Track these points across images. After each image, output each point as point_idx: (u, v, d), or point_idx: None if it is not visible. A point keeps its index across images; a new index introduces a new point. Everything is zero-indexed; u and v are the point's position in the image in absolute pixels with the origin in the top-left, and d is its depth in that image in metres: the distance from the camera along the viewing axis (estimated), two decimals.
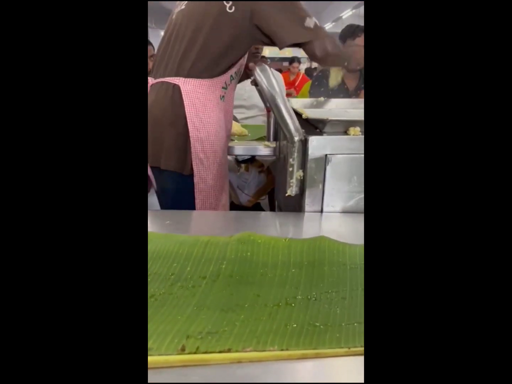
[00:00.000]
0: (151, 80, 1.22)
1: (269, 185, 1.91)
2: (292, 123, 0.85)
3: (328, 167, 0.85)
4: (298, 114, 0.90)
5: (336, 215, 0.87)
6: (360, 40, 1.99)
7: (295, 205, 0.95)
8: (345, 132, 0.87)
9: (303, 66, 6.75)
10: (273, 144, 1.52)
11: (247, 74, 1.36)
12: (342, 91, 1.96)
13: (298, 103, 1.19)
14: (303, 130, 0.86)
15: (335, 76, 2.00)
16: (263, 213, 1.00)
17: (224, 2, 1.08)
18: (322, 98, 1.26)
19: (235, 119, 1.98)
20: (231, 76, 1.19)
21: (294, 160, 0.86)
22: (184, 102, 1.11)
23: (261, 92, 1.58)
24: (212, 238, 0.69)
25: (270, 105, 0.87)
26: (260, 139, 1.69)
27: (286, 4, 1.10)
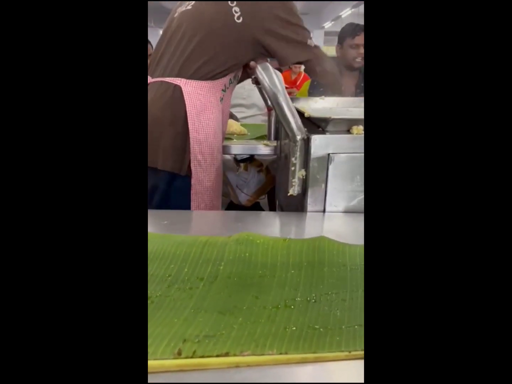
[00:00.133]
0: (148, 79, 1.21)
1: (268, 185, 1.90)
2: (294, 122, 0.84)
3: (330, 166, 0.83)
4: (300, 113, 0.89)
5: (338, 215, 0.86)
6: (359, 39, 1.99)
7: (297, 205, 0.94)
8: (348, 131, 0.86)
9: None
10: (273, 143, 1.52)
11: (247, 73, 1.35)
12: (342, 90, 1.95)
13: (300, 101, 1.18)
14: (305, 129, 0.85)
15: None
16: (264, 212, 0.99)
17: (233, 11, 1.12)
18: (323, 97, 1.25)
19: (235, 118, 1.97)
20: (230, 79, 1.21)
21: (296, 159, 0.85)
22: (186, 103, 1.12)
23: (262, 91, 1.57)
24: (211, 238, 0.68)
25: (272, 104, 0.86)
26: (260, 138, 1.68)
27: (291, 25, 1.16)
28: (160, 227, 0.77)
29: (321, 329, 0.45)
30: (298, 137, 0.84)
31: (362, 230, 0.77)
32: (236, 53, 1.17)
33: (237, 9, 1.13)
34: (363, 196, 0.85)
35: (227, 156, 1.81)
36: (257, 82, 1.44)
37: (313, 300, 0.51)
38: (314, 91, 1.97)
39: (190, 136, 1.13)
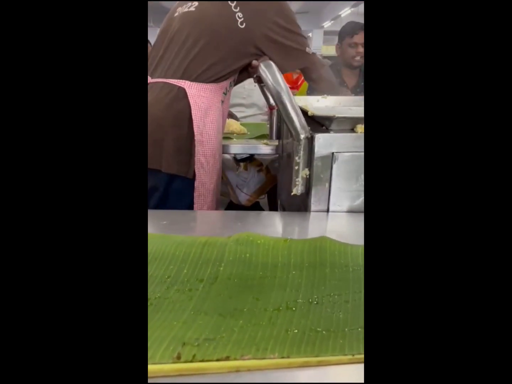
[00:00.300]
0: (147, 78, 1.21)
1: (268, 184, 1.89)
2: (298, 121, 0.83)
3: (334, 166, 0.82)
4: (304, 111, 0.88)
5: (342, 214, 0.85)
6: (357, 38, 1.98)
7: (300, 205, 0.93)
8: (352, 130, 0.85)
9: None
10: (273, 143, 1.51)
11: (248, 73, 1.34)
12: (342, 89, 1.95)
13: (302, 100, 1.17)
14: (309, 128, 0.84)
15: None
16: (265, 212, 0.98)
17: (237, 17, 1.13)
18: (325, 95, 1.24)
19: (235, 118, 1.96)
20: (230, 83, 1.23)
21: (300, 159, 0.84)
22: (191, 105, 1.12)
23: (264, 90, 1.57)
24: (210, 238, 0.67)
25: (276, 102, 0.85)
26: (260, 137, 1.67)
27: (291, 33, 1.19)
28: (159, 227, 0.76)
29: (324, 332, 0.44)
30: (302, 136, 0.83)
31: (357, 229, 0.77)
32: (239, 57, 1.18)
33: (240, 14, 1.14)
34: None
35: (227, 156, 1.80)
36: (259, 80, 1.44)
37: (315, 302, 0.50)
38: (311, 92, 1.96)
39: (195, 138, 1.13)
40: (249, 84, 2.03)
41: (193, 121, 1.12)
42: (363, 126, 0.84)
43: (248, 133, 1.76)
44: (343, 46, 2.05)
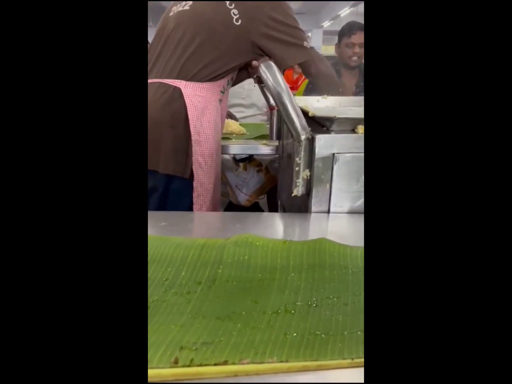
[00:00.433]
0: None
1: (268, 185, 1.88)
2: (298, 121, 0.82)
3: (335, 166, 0.82)
4: (305, 112, 0.88)
5: (343, 215, 0.84)
6: (355, 38, 1.98)
7: (301, 205, 0.93)
8: (353, 130, 0.85)
9: None
10: (272, 143, 1.50)
11: (248, 73, 1.34)
12: (341, 89, 1.94)
13: (301, 101, 1.17)
14: (310, 128, 0.84)
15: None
16: (265, 213, 0.98)
17: (232, 14, 1.12)
18: (325, 96, 1.24)
19: (234, 118, 1.96)
20: (228, 81, 1.21)
21: (300, 160, 0.83)
22: (187, 105, 1.11)
23: (264, 90, 1.56)
24: (209, 240, 0.66)
25: (276, 103, 0.84)
26: (259, 137, 1.67)
27: (288, 27, 1.17)
28: (158, 229, 0.75)
29: (323, 335, 0.44)
30: (303, 137, 0.82)
31: (356, 230, 0.76)
32: (236, 55, 1.17)
33: (235, 11, 1.13)
34: None
35: (226, 156, 1.80)
36: (259, 81, 1.43)
37: (314, 305, 0.50)
38: (309, 92, 1.96)
39: (192, 138, 1.12)
40: (249, 84, 2.03)
41: (190, 121, 1.11)
42: (364, 127, 0.84)
43: (248, 133, 1.76)
44: (341, 46, 2.05)
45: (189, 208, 1.17)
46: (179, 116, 1.11)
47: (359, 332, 0.44)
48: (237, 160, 1.90)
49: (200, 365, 0.39)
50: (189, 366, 0.39)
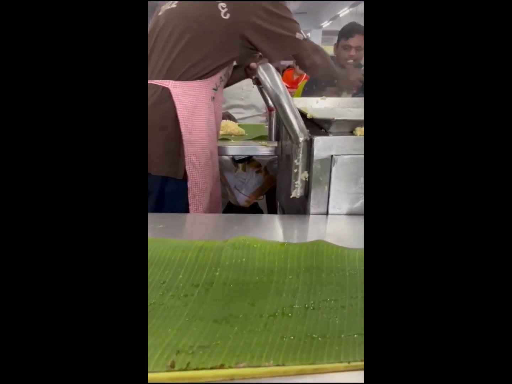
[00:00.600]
0: None
1: (267, 185, 1.88)
2: (296, 123, 0.82)
3: (333, 168, 0.82)
4: (303, 114, 0.88)
5: (342, 217, 0.84)
6: (353, 41, 1.97)
7: (299, 207, 0.93)
8: (351, 132, 0.85)
9: None
10: (271, 144, 1.50)
11: (246, 73, 1.33)
12: (339, 90, 1.94)
13: (300, 102, 1.16)
14: (308, 130, 0.84)
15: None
16: (264, 215, 0.98)
17: (220, 7, 1.09)
18: (324, 97, 1.24)
19: (233, 119, 1.96)
20: (221, 77, 1.19)
21: (299, 161, 0.83)
22: (176, 105, 1.09)
23: (263, 91, 1.56)
24: (207, 242, 0.66)
25: (274, 105, 0.84)
26: (258, 138, 1.66)
27: (279, 18, 1.13)
28: (155, 231, 0.75)
29: (320, 338, 0.44)
30: (301, 139, 0.83)
31: (354, 232, 0.77)
32: (225, 51, 1.14)
33: (223, 4, 1.10)
34: None
35: (225, 157, 1.80)
36: (258, 82, 1.43)
37: (312, 307, 0.50)
38: (309, 90, 1.95)
39: (183, 138, 1.10)
40: (247, 85, 2.03)
41: (180, 121, 1.10)
42: (362, 128, 0.83)
43: (246, 134, 1.76)
44: (339, 47, 2.04)
45: (186, 209, 1.16)
46: (169, 117, 1.10)
47: (356, 335, 0.44)
48: (236, 161, 1.90)
49: (197, 369, 0.39)
50: (185, 370, 0.39)
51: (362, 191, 0.83)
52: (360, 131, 0.83)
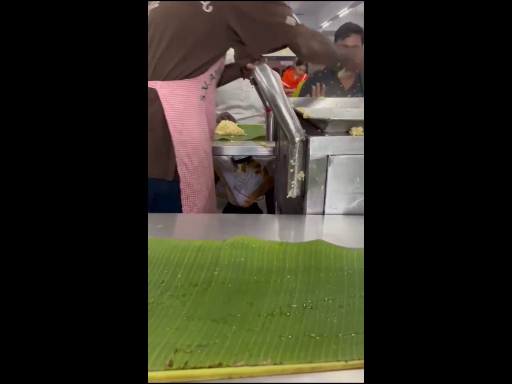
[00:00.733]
0: None
1: (266, 186, 1.89)
2: (292, 123, 0.83)
3: (330, 168, 0.82)
4: (299, 114, 0.88)
5: (338, 217, 0.84)
6: (349, 40, 1.97)
7: (296, 207, 0.93)
8: (347, 132, 0.85)
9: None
10: (270, 144, 1.50)
11: (242, 73, 1.32)
12: (338, 90, 1.94)
13: (298, 102, 1.16)
14: (304, 130, 0.84)
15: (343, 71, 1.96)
16: (262, 215, 0.98)
17: (201, 1, 1.04)
18: (322, 97, 1.24)
19: (233, 120, 1.96)
20: (211, 75, 1.14)
21: (295, 161, 0.84)
22: (163, 106, 1.06)
23: (260, 92, 1.56)
24: (205, 242, 0.66)
25: (270, 105, 0.85)
26: (257, 139, 1.67)
27: (267, 4, 1.05)
28: (154, 231, 0.75)
29: (317, 337, 0.44)
30: (297, 139, 0.83)
31: (362, 233, 0.76)
32: (211, 46, 1.09)
33: None
34: (363, 198, 0.84)
35: (225, 157, 1.80)
36: (255, 82, 1.43)
37: (309, 307, 0.50)
38: (308, 88, 1.95)
39: (173, 139, 1.07)
40: (247, 86, 2.03)
41: (168, 122, 1.06)
42: (358, 128, 0.84)
43: (246, 134, 1.76)
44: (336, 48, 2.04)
45: (181, 211, 1.14)
46: (157, 118, 1.06)
47: (353, 334, 0.44)
48: (235, 161, 1.90)
49: (195, 367, 0.39)
50: (183, 368, 0.39)
51: (358, 191, 0.83)
52: (355, 131, 0.84)
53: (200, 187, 1.14)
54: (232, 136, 1.71)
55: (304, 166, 0.84)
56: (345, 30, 1.99)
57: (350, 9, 8.63)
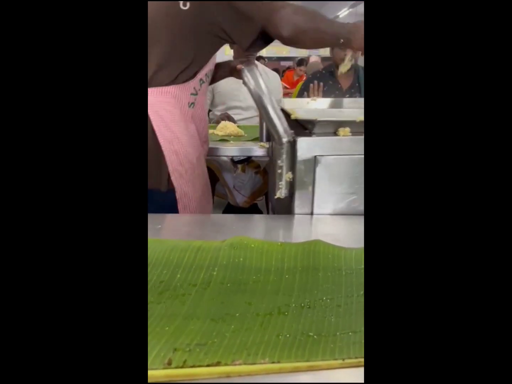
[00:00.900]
0: None
1: (266, 186, 1.90)
2: (280, 124, 0.83)
3: (317, 169, 0.83)
4: (287, 115, 0.88)
5: (327, 217, 0.85)
6: None
7: (286, 207, 0.93)
8: (335, 133, 0.85)
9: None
10: (267, 145, 1.51)
11: (231, 74, 1.30)
12: (336, 90, 1.95)
13: (291, 103, 1.16)
14: (292, 131, 0.84)
15: (347, 59, 1.95)
16: (262, 216, 0.98)
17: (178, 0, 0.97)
18: (315, 98, 1.24)
19: (232, 120, 1.96)
20: (201, 80, 1.06)
21: (282, 162, 0.84)
22: (150, 115, 1.00)
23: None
24: (204, 243, 0.67)
25: (258, 106, 0.85)
26: (257, 139, 1.67)
27: None
28: (153, 231, 0.76)
29: (315, 336, 0.44)
30: (284, 140, 0.83)
31: (350, 232, 0.77)
32: (193, 46, 1.00)
33: None
34: (350, 198, 0.84)
35: (224, 158, 1.80)
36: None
37: (308, 306, 0.51)
38: (306, 88, 1.95)
39: (163, 148, 1.01)
40: None
41: (156, 132, 1.00)
42: (345, 129, 0.84)
43: (245, 135, 1.76)
44: (334, 49, 2.05)
45: None
46: None
47: (350, 333, 0.45)
48: (235, 162, 1.91)
49: (193, 366, 0.39)
50: (182, 367, 0.39)
51: (346, 191, 0.84)
52: (343, 131, 0.84)
53: (197, 196, 1.10)
54: (231, 136, 1.72)
55: (292, 166, 0.84)
56: None
57: (350, 10, 8.63)
